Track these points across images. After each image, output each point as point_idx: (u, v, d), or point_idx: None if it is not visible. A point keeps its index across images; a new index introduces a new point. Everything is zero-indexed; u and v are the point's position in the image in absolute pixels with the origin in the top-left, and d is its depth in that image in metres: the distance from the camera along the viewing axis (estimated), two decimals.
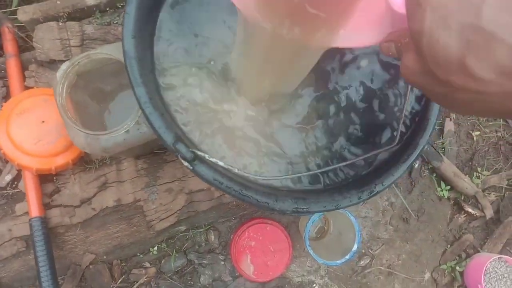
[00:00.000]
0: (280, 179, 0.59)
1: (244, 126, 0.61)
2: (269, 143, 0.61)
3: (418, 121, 0.62)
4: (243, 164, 0.60)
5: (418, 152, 0.60)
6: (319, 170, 0.59)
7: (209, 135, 0.60)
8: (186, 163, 0.54)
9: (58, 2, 0.87)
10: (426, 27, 0.25)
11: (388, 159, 0.63)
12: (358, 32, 0.39)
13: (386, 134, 0.63)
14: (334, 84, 0.62)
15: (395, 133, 0.62)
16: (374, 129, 0.63)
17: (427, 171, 1.06)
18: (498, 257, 1.03)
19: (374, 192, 0.59)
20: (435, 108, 0.60)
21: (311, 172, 0.59)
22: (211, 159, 0.53)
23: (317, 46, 0.45)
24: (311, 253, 0.82)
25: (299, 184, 0.61)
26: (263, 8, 0.42)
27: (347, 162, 0.60)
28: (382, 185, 0.59)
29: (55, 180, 0.90)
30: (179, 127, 0.60)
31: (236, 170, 0.55)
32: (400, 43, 0.33)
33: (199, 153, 0.53)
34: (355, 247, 0.83)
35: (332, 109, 0.62)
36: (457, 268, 1.05)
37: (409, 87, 0.61)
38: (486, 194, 1.09)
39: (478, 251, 1.08)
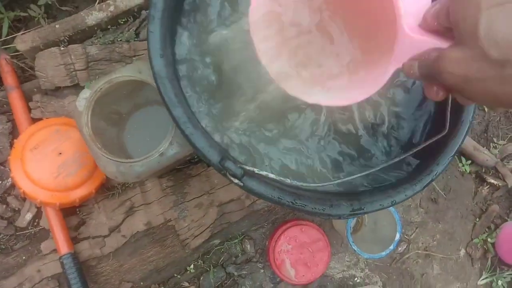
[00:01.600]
0: (333, 184, 0.58)
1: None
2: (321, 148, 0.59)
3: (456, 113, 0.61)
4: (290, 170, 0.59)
5: (463, 137, 0.59)
6: (372, 170, 0.57)
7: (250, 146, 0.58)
8: (236, 181, 0.52)
9: (57, 26, 0.83)
10: (483, 11, 0.27)
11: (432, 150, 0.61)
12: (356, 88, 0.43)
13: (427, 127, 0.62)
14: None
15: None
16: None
17: None
18: None
19: (428, 181, 0.58)
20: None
21: (364, 173, 0.57)
22: (261, 172, 0.51)
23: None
24: (355, 249, 0.81)
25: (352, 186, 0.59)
26: None
27: (405, 155, 0.58)
28: (435, 174, 0.58)
29: (78, 212, 0.86)
30: (218, 143, 0.57)
31: (288, 181, 0.52)
32: (427, 56, 0.33)
33: (248, 168, 0.51)
34: (397, 237, 0.82)
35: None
36: (489, 239, 1.06)
37: None
38: (505, 164, 1.10)
39: (506, 220, 1.09)
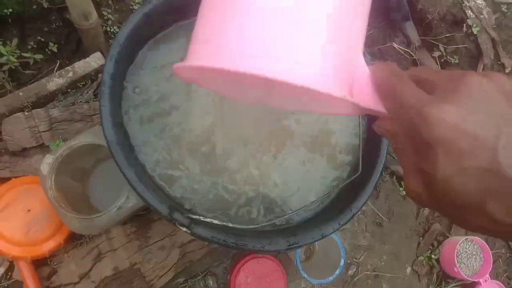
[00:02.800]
0: (269, 224, 0.67)
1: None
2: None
3: (372, 149, 0.71)
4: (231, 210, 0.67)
5: (378, 175, 0.69)
6: (303, 208, 0.67)
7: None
8: (184, 229, 0.60)
9: (20, 94, 0.91)
10: (440, 171, 0.24)
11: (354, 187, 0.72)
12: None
13: (346, 169, 0.72)
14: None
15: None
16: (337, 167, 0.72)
17: (388, 175, 1.17)
18: (465, 238, 1.15)
19: (351, 215, 0.67)
20: (384, 143, 0.69)
21: (294, 212, 0.67)
22: (206, 219, 0.60)
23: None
24: (305, 276, 0.90)
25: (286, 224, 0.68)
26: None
27: (322, 197, 0.67)
28: (357, 208, 0.68)
29: (49, 262, 0.92)
30: (168, 195, 0.66)
31: (230, 224, 0.61)
32: (395, 140, 0.30)
33: (194, 216, 0.59)
34: (342, 262, 0.92)
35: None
36: (433, 256, 1.16)
37: (360, 129, 0.70)
38: None
39: (447, 237, 1.20)
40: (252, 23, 0.28)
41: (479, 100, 0.24)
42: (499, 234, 0.25)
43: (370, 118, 0.73)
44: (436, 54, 1.36)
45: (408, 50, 1.35)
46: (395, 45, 1.35)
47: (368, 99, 0.31)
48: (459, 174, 0.23)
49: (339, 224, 0.66)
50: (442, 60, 1.36)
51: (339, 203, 0.71)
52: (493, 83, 0.24)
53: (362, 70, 0.31)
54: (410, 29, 1.38)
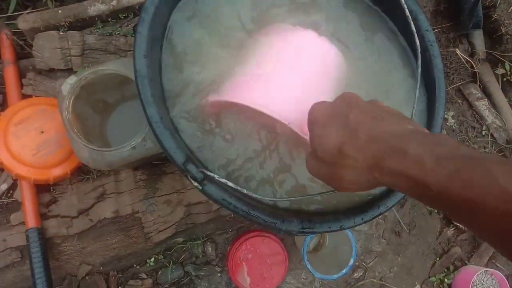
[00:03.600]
0: (288, 201, 0.60)
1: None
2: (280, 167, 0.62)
3: None
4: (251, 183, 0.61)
5: None
6: (327, 192, 0.60)
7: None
8: (195, 183, 0.54)
9: (59, 11, 0.86)
10: (315, 132, 0.40)
11: None
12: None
13: None
14: None
15: None
16: None
17: None
18: (485, 270, 1.06)
19: (377, 214, 0.61)
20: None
21: (319, 194, 0.60)
22: (220, 179, 0.54)
23: None
24: (309, 268, 0.84)
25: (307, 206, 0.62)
26: None
27: None
28: (385, 207, 0.61)
29: (52, 190, 0.89)
30: (188, 146, 0.60)
31: (245, 191, 0.55)
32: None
33: (209, 173, 0.54)
34: (351, 262, 0.85)
35: None
36: (446, 280, 1.08)
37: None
38: None
39: (466, 264, 1.12)
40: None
41: (344, 102, 0.40)
42: (354, 174, 0.38)
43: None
44: (500, 71, 1.25)
45: (470, 60, 1.25)
46: (458, 52, 1.25)
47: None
48: (325, 131, 0.39)
49: (362, 219, 0.60)
50: (505, 79, 1.25)
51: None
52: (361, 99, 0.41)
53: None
54: (478, 38, 1.27)
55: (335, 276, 0.85)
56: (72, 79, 0.66)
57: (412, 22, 0.61)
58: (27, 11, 0.98)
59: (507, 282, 1.06)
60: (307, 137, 0.45)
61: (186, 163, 0.54)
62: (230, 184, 0.54)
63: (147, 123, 0.69)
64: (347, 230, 0.88)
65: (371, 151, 0.35)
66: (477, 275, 1.05)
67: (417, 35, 0.62)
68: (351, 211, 0.62)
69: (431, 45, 0.67)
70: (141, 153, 0.68)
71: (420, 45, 0.61)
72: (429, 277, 1.08)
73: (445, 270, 1.10)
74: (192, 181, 0.54)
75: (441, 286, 1.08)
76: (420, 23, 0.67)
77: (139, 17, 0.59)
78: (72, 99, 0.66)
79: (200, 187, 0.54)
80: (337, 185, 0.41)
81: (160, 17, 0.61)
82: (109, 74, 0.68)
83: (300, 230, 0.58)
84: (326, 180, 0.42)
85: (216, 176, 0.54)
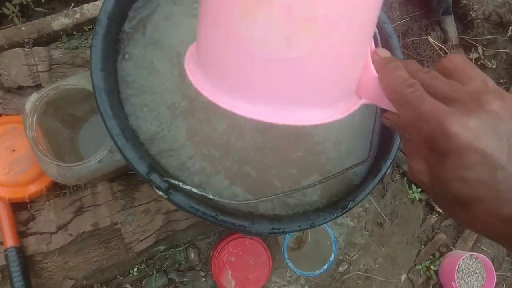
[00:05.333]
0: (254, 203, 0.61)
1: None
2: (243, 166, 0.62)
3: (385, 140, 0.64)
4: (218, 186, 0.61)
5: (385, 169, 0.62)
6: (293, 191, 0.60)
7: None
8: (161, 193, 0.54)
9: (23, 28, 0.86)
10: (445, 173, 0.28)
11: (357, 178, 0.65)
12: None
13: (356, 153, 0.65)
14: None
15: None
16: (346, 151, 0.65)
17: (398, 175, 1.10)
18: (470, 254, 1.07)
19: (347, 209, 0.61)
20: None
21: (285, 193, 0.60)
22: (185, 187, 0.54)
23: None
24: (291, 266, 0.84)
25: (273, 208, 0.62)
26: None
27: (322, 180, 0.61)
28: (354, 201, 0.61)
29: (29, 208, 0.88)
30: (150, 155, 0.60)
31: (210, 196, 0.55)
32: (407, 135, 0.33)
33: (173, 181, 0.54)
34: (332, 257, 0.86)
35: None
36: (432, 267, 1.09)
37: (376, 116, 0.63)
38: None
39: (451, 249, 1.12)
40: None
41: (493, 121, 0.26)
42: (478, 229, 0.29)
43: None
44: (473, 55, 1.26)
45: (443, 47, 1.25)
46: (430, 39, 1.25)
47: (377, 101, 0.34)
48: (459, 180, 0.27)
49: (332, 215, 0.60)
50: (479, 63, 1.26)
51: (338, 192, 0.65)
52: (505, 105, 0.27)
53: (368, 75, 0.34)
54: (450, 24, 1.28)
55: (317, 272, 0.85)
56: (34, 97, 0.66)
57: None
58: None
59: (492, 265, 1.06)
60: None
61: (149, 173, 0.54)
62: (195, 190, 0.54)
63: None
64: (326, 226, 0.88)
65: (506, 224, 0.26)
66: (462, 259, 1.06)
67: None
68: (321, 208, 0.62)
69: (390, 37, 0.67)
70: (109, 165, 0.68)
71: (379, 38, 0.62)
72: (415, 265, 1.09)
73: (431, 257, 1.11)
74: (157, 190, 0.54)
75: (427, 273, 1.09)
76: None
77: (93, 30, 0.59)
78: (35, 116, 0.66)
79: (166, 196, 0.54)
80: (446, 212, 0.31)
81: (114, 28, 0.61)
82: (73, 88, 0.68)
83: (271, 231, 0.58)
84: (437, 200, 0.31)
85: (180, 184, 0.54)
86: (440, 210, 1.12)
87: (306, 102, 0.34)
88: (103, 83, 0.57)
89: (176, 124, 0.60)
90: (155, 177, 0.54)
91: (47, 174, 0.69)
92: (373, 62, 0.34)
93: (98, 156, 0.66)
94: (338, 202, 0.62)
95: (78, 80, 0.68)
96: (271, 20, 0.29)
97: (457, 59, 0.31)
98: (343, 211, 0.60)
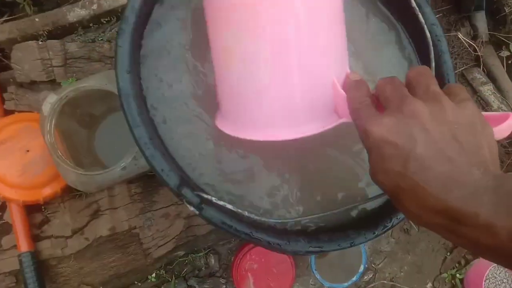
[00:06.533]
0: (293, 221, 0.56)
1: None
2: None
3: None
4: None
5: None
6: (334, 211, 0.56)
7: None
8: (192, 208, 0.50)
9: (36, 20, 0.80)
10: (372, 169, 0.32)
11: None
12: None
13: None
14: None
15: None
16: None
17: None
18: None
19: (388, 227, 0.56)
20: None
21: (324, 214, 0.56)
22: (218, 202, 0.50)
23: None
24: (318, 277, 0.80)
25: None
26: None
27: (363, 202, 0.57)
28: (398, 219, 0.57)
29: (43, 210, 0.84)
30: (180, 167, 0.55)
31: (245, 213, 0.51)
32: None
33: (206, 196, 0.50)
34: (361, 268, 0.82)
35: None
36: (457, 275, 1.05)
37: None
38: None
39: (478, 257, 1.08)
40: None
41: (406, 119, 0.30)
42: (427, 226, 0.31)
43: None
44: (504, 53, 1.20)
45: (473, 44, 1.19)
46: (460, 35, 1.19)
47: (346, 115, 0.39)
48: (381, 172, 0.31)
49: (373, 233, 0.56)
50: (510, 61, 1.20)
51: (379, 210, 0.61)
52: (431, 107, 0.31)
53: (339, 95, 0.39)
54: (480, 20, 1.21)
55: (345, 284, 0.81)
56: (52, 98, 0.61)
57: (420, 14, 0.57)
58: (3, 18, 0.92)
59: None
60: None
61: (180, 187, 0.50)
62: (229, 206, 0.50)
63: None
64: None
65: (434, 215, 0.29)
66: (490, 268, 1.02)
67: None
68: (361, 225, 0.58)
69: (439, 40, 0.62)
70: (133, 172, 0.64)
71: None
72: (441, 273, 1.05)
73: (456, 265, 1.07)
74: (189, 205, 0.50)
75: (453, 281, 1.05)
76: (426, 16, 0.62)
77: (118, 29, 0.54)
78: (53, 120, 0.61)
79: (198, 212, 0.50)
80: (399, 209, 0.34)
81: (142, 26, 0.56)
82: (93, 90, 0.63)
83: (308, 250, 0.54)
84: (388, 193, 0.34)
85: (213, 199, 0.50)
86: None
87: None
88: (130, 87, 0.52)
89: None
90: (186, 191, 0.50)
91: (67, 181, 0.65)
92: (346, 84, 0.41)
93: (122, 164, 0.62)
94: (379, 218, 0.58)
95: (98, 81, 0.63)
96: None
97: (417, 69, 0.35)
98: (386, 229, 0.56)
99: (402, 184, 0.29)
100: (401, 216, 0.57)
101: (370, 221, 0.58)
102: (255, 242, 0.52)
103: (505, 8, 1.18)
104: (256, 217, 0.52)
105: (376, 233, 0.56)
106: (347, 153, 0.58)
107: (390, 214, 0.57)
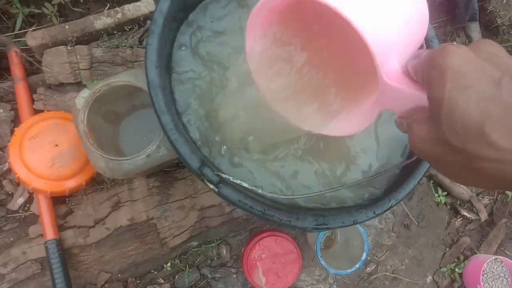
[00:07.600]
0: (303, 197, 0.62)
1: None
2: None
3: None
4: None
5: (427, 167, 0.64)
6: (339, 188, 0.62)
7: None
8: (212, 186, 0.56)
9: (66, 27, 0.89)
10: (447, 94, 0.26)
11: (399, 177, 0.67)
12: (347, 122, 0.47)
13: (397, 156, 0.67)
14: None
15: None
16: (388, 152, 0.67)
17: (425, 178, 1.11)
18: (495, 258, 1.08)
19: (389, 206, 0.62)
20: None
21: (329, 190, 0.62)
22: (235, 181, 0.56)
23: (306, 130, 0.52)
24: (324, 264, 0.86)
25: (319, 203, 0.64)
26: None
27: (366, 179, 0.63)
28: (396, 200, 0.63)
29: (67, 202, 0.91)
30: (200, 150, 0.62)
31: (259, 191, 0.57)
32: (411, 118, 0.33)
33: (224, 175, 0.56)
34: (364, 256, 0.87)
35: None
36: (456, 270, 1.10)
37: None
38: (480, 198, 1.15)
39: (475, 253, 1.13)
40: None
41: (487, 55, 0.27)
42: (496, 171, 0.26)
43: None
44: None
45: None
46: (455, 44, 1.27)
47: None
48: (463, 95, 0.25)
49: (374, 213, 0.62)
50: None
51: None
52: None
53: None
54: (475, 31, 1.29)
55: (349, 270, 0.87)
56: (85, 93, 0.69)
57: None
58: (33, 28, 1.00)
59: None
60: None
61: (202, 167, 0.56)
62: (244, 184, 0.56)
63: (159, 132, 0.72)
64: (358, 225, 0.90)
65: None
66: (487, 263, 1.07)
67: None
68: (363, 205, 0.64)
69: (431, 41, 0.69)
70: (155, 160, 0.70)
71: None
72: (440, 267, 1.10)
73: (456, 260, 1.12)
74: (209, 184, 0.56)
75: (452, 276, 1.10)
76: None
77: (149, 29, 0.61)
78: (86, 112, 0.68)
79: (217, 190, 0.56)
80: (464, 182, 0.30)
81: (169, 29, 0.64)
82: (121, 85, 0.70)
83: (315, 226, 0.59)
84: (446, 172, 0.31)
85: (231, 178, 0.56)
86: (464, 214, 1.13)
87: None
88: (158, 80, 0.59)
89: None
90: (207, 171, 0.56)
91: (96, 168, 0.71)
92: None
93: (148, 151, 0.68)
94: (379, 200, 0.64)
95: (128, 77, 0.70)
96: None
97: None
98: (385, 209, 0.62)
99: (492, 108, 0.25)
100: (399, 197, 0.63)
101: (371, 202, 0.65)
102: (268, 218, 0.58)
103: (497, 19, 1.25)
104: (268, 194, 0.58)
105: (376, 212, 0.62)
106: None
107: (388, 196, 0.63)
